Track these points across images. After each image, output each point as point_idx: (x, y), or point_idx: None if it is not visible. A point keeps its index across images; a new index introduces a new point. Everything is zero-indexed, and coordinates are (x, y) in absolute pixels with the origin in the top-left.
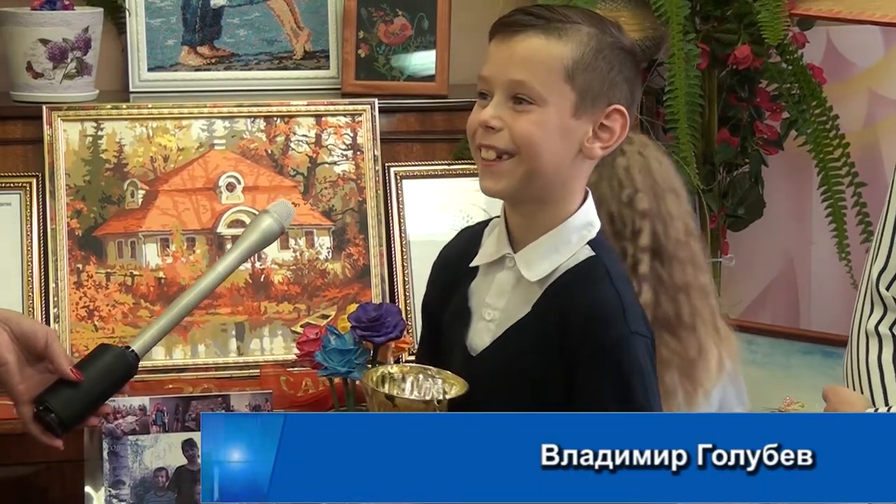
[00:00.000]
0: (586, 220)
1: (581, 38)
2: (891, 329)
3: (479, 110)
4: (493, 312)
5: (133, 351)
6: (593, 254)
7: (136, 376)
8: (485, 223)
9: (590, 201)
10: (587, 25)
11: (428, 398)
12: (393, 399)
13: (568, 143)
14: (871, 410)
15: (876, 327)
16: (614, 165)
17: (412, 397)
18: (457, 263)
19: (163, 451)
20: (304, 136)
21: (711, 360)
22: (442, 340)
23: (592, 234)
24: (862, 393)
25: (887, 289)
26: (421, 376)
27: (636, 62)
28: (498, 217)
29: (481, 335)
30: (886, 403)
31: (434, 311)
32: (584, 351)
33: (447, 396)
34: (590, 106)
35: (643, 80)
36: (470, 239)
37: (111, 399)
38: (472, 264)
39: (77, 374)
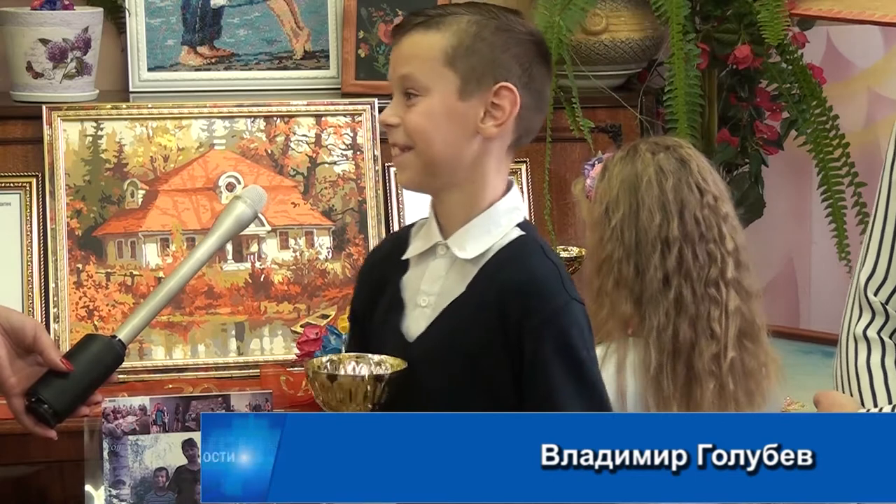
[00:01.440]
0: (512, 205)
1: (460, 25)
2: (878, 333)
3: None
4: (428, 298)
5: (120, 340)
6: (523, 233)
7: (136, 376)
8: (411, 225)
9: (515, 189)
10: (468, 14)
11: (366, 374)
12: (335, 378)
13: (459, 126)
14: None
15: (864, 332)
16: (689, 169)
17: (352, 374)
18: (385, 262)
19: (163, 451)
20: (303, 135)
21: (772, 368)
22: (371, 342)
23: (520, 217)
24: (851, 396)
25: (875, 294)
26: (361, 361)
27: (529, 42)
28: (424, 218)
29: (417, 322)
30: (876, 406)
31: (363, 313)
32: (529, 321)
33: (386, 372)
34: (475, 87)
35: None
36: (397, 240)
37: (111, 399)
38: (404, 257)
39: (67, 364)
